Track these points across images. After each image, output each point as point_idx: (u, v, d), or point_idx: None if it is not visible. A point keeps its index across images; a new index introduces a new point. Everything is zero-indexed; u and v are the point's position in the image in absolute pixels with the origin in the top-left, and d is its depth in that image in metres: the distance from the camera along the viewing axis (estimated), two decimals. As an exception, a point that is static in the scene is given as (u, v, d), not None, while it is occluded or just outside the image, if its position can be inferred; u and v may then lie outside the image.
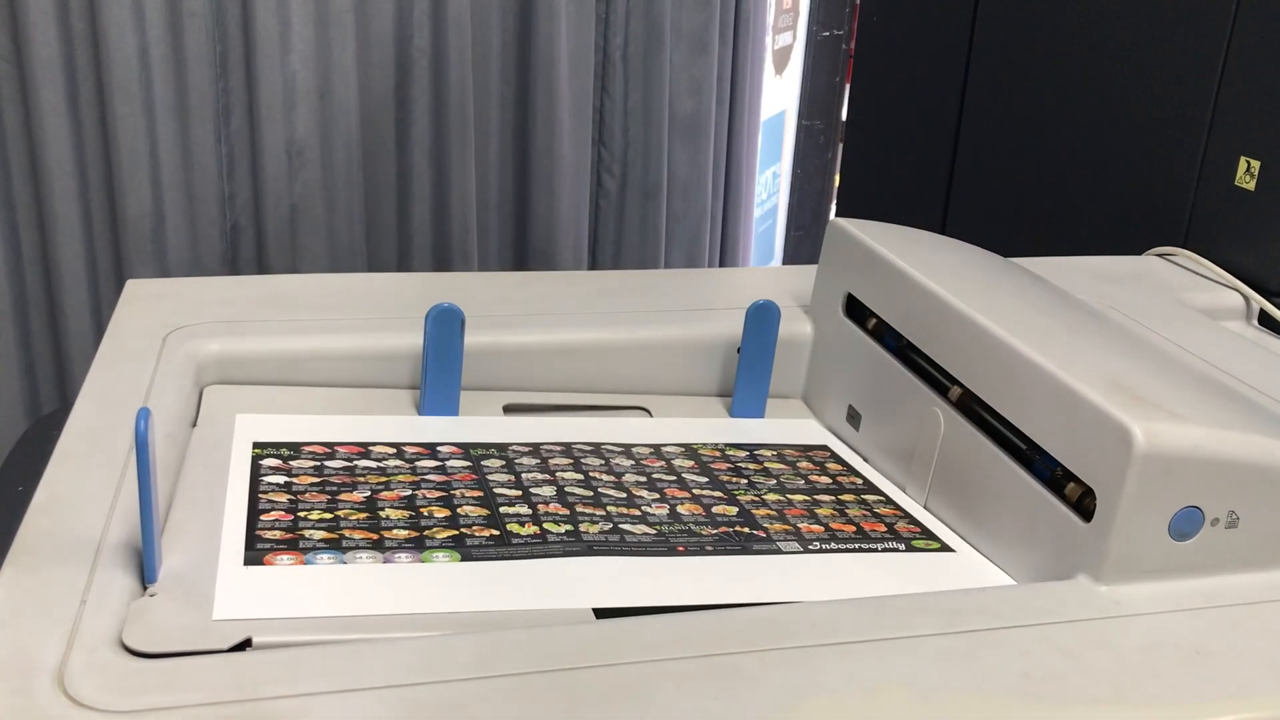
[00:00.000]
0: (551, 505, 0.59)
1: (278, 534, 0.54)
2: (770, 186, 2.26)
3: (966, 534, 0.61)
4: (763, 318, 0.75)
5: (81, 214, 1.35)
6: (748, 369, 0.75)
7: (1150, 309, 0.85)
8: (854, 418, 0.73)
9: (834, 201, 2.25)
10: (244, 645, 0.45)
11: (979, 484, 0.60)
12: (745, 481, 0.66)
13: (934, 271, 0.68)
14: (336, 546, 0.53)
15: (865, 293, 0.73)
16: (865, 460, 0.71)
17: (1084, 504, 0.53)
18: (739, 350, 0.76)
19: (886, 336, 0.71)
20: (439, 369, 0.70)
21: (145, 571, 0.48)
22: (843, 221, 0.77)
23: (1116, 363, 0.59)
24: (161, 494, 0.56)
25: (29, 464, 0.63)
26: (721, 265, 1.92)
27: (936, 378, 0.66)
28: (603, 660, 0.44)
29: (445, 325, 0.70)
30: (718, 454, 0.70)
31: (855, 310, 0.75)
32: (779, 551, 0.57)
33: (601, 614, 0.49)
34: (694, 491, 0.64)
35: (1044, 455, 0.56)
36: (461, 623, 0.48)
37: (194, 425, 0.66)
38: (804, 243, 2.27)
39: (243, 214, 1.44)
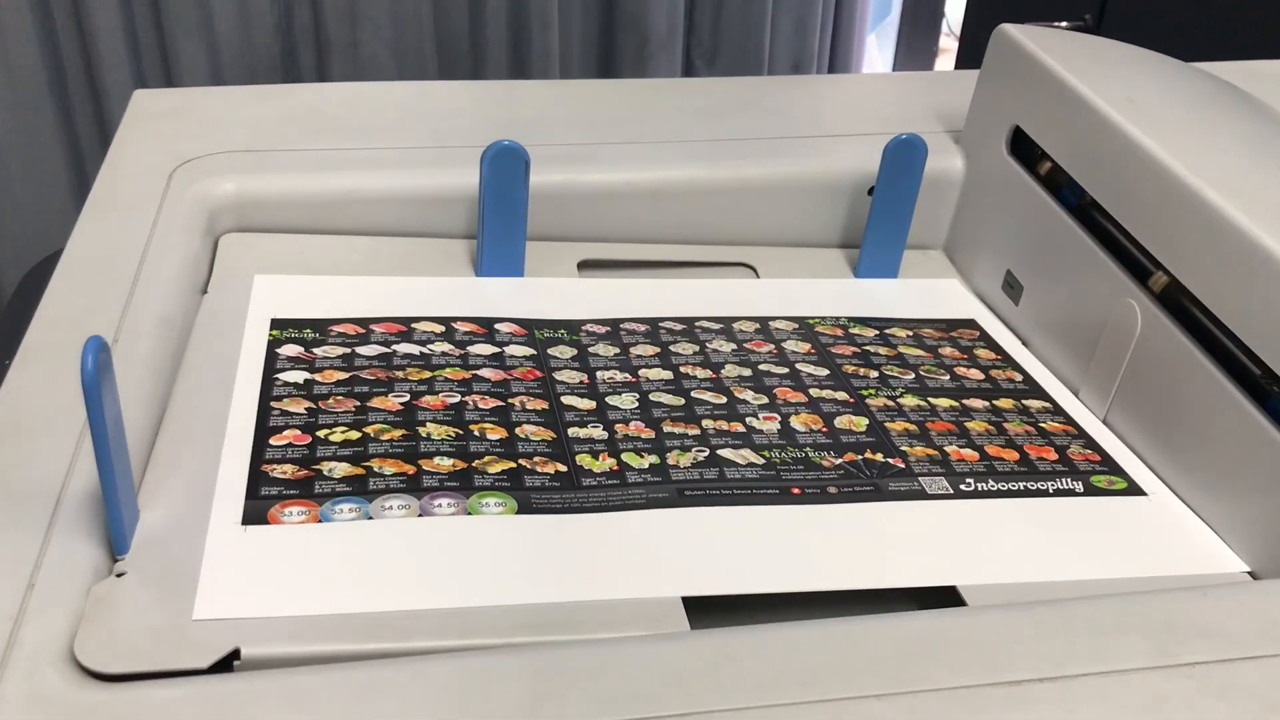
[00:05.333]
0: (632, 425, 0.47)
1: (289, 469, 0.43)
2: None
3: (1159, 465, 0.48)
4: (905, 157, 0.59)
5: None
6: (881, 219, 0.61)
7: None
8: (1012, 287, 0.59)
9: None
10: (231, 659, 0.34)
11: (1186, 408, 0.46)
12: (876, 375, 0.53)
13: (1135, 108, 0.52)
14: (362, 490, 0.42)
15: (1038, 128, 0.57)
16: (1025, 344, 0.57)
17: (1350, 473, 0.39)
18: (870, 192, 0.61)
19: (1064, 189, 0.56)
20: (499, 221, 0.57)
21: (113, 541, 0.38)
22: (1013, 29, 0.60)
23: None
24: (152, 403, 0.45)
25: (26, 316, 0.52)
26: (835, 30, 1.70)
27: (1133, 255, 0.51)
28: (691, 708, 0.32)
29: (505, 168, 0.56)
30: (839, 332, 0.56)
31: (1023, 148, 0.59)
32: (923, 494, 0.45)
33: (692, 601, 0.38)
34: (811, 393, 0.51)
35: (1290, 392, 0.42)
36: (516, 622, 0.37)
37: (204, 292, 0.55)
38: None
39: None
